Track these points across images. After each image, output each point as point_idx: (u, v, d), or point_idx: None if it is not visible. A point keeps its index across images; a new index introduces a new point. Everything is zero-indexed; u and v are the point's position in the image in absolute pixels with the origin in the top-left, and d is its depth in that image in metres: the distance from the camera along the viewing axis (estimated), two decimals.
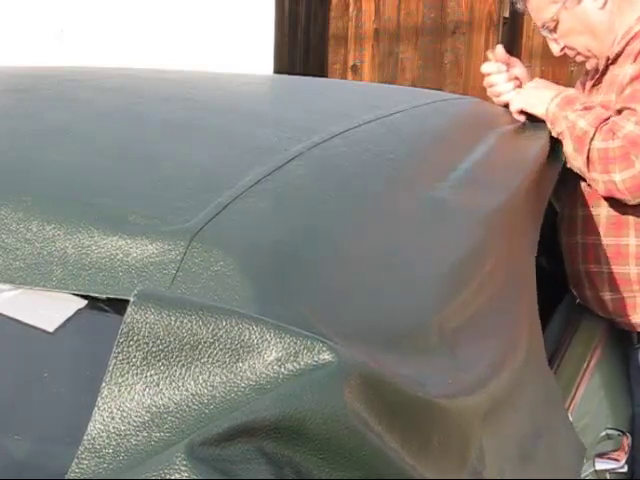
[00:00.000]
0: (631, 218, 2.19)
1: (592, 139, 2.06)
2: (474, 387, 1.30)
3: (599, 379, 2.23)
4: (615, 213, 2.20)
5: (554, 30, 2.26)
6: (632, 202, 2.12)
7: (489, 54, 2.35)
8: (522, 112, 2.22)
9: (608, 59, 2.22)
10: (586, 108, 2.12)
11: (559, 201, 2.33)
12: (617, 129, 2.06)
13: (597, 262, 2.24)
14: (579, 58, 2.31)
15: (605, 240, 2.22)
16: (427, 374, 1.21)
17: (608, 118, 2.09)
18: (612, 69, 2.21)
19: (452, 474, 1.21)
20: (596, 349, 2.24)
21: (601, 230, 2.22)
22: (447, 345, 1.31)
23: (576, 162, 2.12)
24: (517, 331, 1.61)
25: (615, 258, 2.22)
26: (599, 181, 2.09)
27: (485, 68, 2.34)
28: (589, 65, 2.32)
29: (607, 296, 2.25)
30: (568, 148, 2.12)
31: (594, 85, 2.30)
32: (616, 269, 2.22)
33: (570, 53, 2.30)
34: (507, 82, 2.28)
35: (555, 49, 2.30)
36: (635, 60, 2.14)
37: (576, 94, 2.21)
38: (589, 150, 2.07)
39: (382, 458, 1.04)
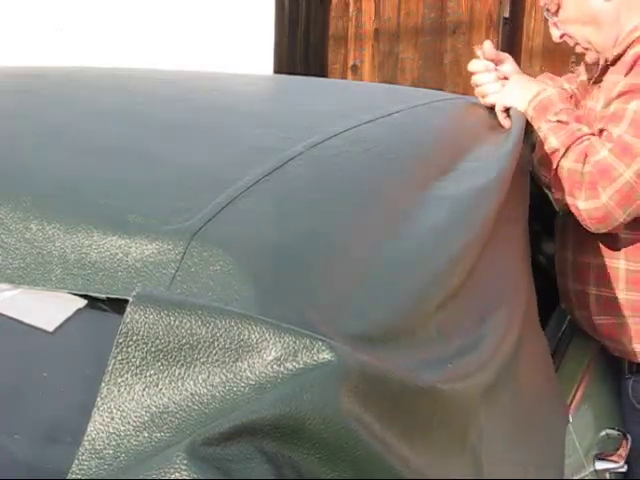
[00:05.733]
0: (622, 240, 2.05)
1: (562, 157, 1.93)
2: (472, 369, 1.31)
3: (598, 380, 2.23)
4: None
5: (555, 13, 2.09)
6: (593, 231, 1.97)
7: (477, 50, 2.17)
8: (507, 112, 2.06)
9: (607, 60, 2.07)
10: (559, 121, 1.98)
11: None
12: (591, 153, 1.91)
13: (588, 283, 2.10)
14: (578, 49, 2.14)
15: (597, 261, 2.08)
16: (427, 364, 1.22)
17: (581, 137, 1.95)
18: (611, 72, 2.06)
19: (452, 455, 1.22)
20: (594, 351, 2.24)
21: (594, 251, 2.08)
22: (446, 332, 1.33)
23: (543, 177, 2.00)
24: (513, 307, 1.62)
25: (607, 281, 2.07)
26: (561, 202, 1.97)
27: (472, 66, 2.17)
28: (589, 58, 2.14)
29: (598, 320, 2.11)
30: (536, 160, 2.00)
31: (595, 82, 2.13)
32: (607, 292, 2.08)
33: (569, 41, 2.14)
34: (495, 82, 2.11)
35: (555, 34, 2.13)
36: (628, 72, 1.98)
37: (552, 98, 2.03)
38: (557, 169, 1.95)
39: (374, 459, 1.04)
